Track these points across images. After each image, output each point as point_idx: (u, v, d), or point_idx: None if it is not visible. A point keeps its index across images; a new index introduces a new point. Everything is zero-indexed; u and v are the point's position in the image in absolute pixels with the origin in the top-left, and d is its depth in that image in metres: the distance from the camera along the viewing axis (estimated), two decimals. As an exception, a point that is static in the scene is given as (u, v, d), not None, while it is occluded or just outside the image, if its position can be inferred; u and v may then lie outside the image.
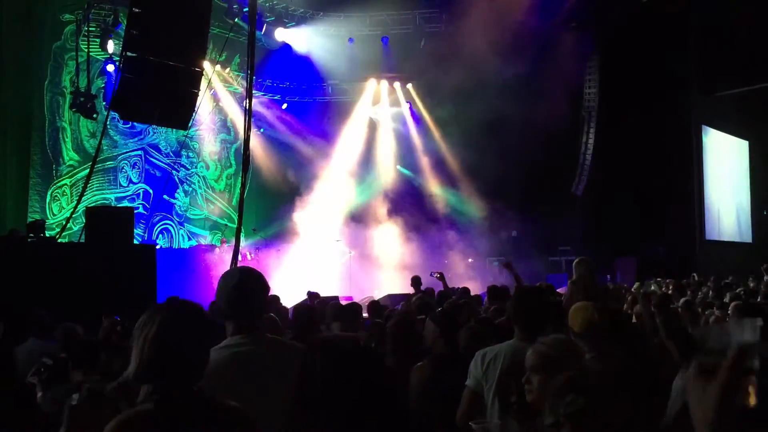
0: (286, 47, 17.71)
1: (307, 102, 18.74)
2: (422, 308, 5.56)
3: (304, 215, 16.57)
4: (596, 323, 3.24)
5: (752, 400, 1.80)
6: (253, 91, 9.64)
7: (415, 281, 8.82)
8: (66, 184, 14.66)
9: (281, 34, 17.33)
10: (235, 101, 17.45)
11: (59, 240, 10.47)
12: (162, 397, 1.82)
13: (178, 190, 16.93)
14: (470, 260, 17.57)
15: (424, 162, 19.09)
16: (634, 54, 17.24)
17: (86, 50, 14.17)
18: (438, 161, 18.91)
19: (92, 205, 13.90)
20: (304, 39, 17.67)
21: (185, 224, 17.06)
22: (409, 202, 18.15)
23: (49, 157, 14.40)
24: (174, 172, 16.47)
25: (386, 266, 16.33)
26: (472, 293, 8.29)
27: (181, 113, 9.55)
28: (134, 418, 1.81)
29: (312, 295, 8.41)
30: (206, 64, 10.77)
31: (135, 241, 10.54)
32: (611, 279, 15.28)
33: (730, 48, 18.83)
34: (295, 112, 18.50)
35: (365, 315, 6.68)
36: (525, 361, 2.51)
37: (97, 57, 14.67)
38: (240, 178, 11.26)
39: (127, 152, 16.01)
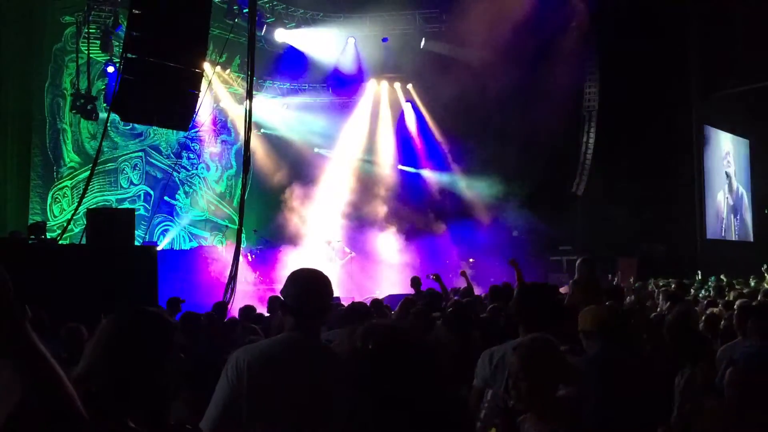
0: (287, 48, 17.72)
1: (308, 103, 18.73)
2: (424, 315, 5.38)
3: (305, 216, 16.58)
4: (607, 322, 3.25)
5: None
6: (254, 92, 9.64)
7: (415, 282, 8.81)
8: (67, 186, 14.67)
9: (281, 35, 17.34)
10: (235, 102, 17.46)
11: (60, 242, 10.48)
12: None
13: (178, 192, 16.93)
14: (471, 260, 17.56)
15: (425, 162, 19.11)
16: (635, 53, 17.23)
17: (86, 52, 14.18)
18: (438, 161, 18.92)
19: (93, 206, 13.90)
20: (304, 40, 17.68)
21: (186, 225, 17.07)
22: (409, 202, 18.15)
23: (49, 159, 14.41)
24: (175, 173, 16.47)
25: (386, 266, 16.33)
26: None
27: (181, 114, 9.54)
28: None
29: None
30: (206, 65, 10.77)
31: (136, 243, 10.55)
32: (612, 278, 15.27)
33: (730, 47, 18.83)
34: (296, 112, 18.50)
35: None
36: (508, 366, 2.50)
37: (98, 59, 14.67)
38: (241, 179, 11.28)
39: (127, 154, 16.01)
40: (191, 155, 17.35)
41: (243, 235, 10.12)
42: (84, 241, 9.44)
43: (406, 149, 19.34)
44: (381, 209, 17.50)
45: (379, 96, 18.98)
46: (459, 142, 18.03)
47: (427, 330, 4.28)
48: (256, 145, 16.62)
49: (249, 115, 9.50)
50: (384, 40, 17.95)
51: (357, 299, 12.04)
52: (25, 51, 13.85)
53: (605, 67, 18.47)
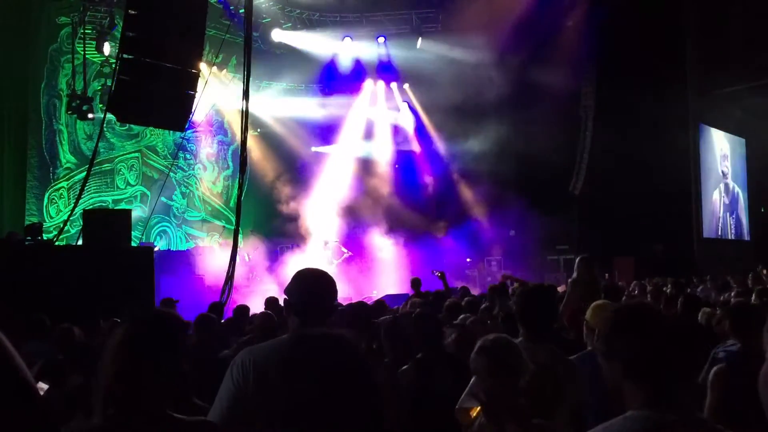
0: (283, 48, 17.71)
1: (304, 102, 18.71)
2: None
3: (302, 216, 16.56)
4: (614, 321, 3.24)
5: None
6: (250, 93, 9.62)
7: (415, 283, 8.81)
8: (63, 187, 14.63)
9: (278, 35, 17.32)
10: (231, 103, 17.42)
11: (57, 243, 10.45)
12: (116, 413, 1.74)
13: (175, 192, 16.90)
14: (468, 260, 17.60)
15: (422, 161, 19.11)
16: (632, 53, 17.23)
17: (82, 52, 14.14)
18: (435, 161, 18.92)
19: (89, 207, 13.88)
20: (300, 40, 17.66)
21: (183, 226, 17.04)
22: (406, 202, 18.15)
23: (46, 160, 14.38)
24: (171, 174, 16.43)
25: (384, 266, 16.33)
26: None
27: (177, 115, 9.52)
28: None
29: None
30: (203, 66, 10.75)
31: (132, 243, 10.53)
32: (609, 278, 15.28)
33: (727, 46, 18.85)
34: (293, 112, 18.48)
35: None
36: (473, 365, 2.59)
37: (93, 59, 14.65)
38: (237, 179, 11.26)
39: (124, 154, 15.98)
40: (188, 156, 17.32)
41: (240, 236, 10.12)
42: (80, 242, 9.43)
43: (402, 149, 19.34)
44: (378, 209, 17.50)
45: (376, 96, 18.97)
46: (455, 141, 18.03)
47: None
48: (253, 145, 16.60)
49: (245, 115, 9.49)
50: (382, 39, 17.97)
51: (354, 299, 12.06)
52: (20, 52, 13.80)
53: (602, 66, 18.47)
